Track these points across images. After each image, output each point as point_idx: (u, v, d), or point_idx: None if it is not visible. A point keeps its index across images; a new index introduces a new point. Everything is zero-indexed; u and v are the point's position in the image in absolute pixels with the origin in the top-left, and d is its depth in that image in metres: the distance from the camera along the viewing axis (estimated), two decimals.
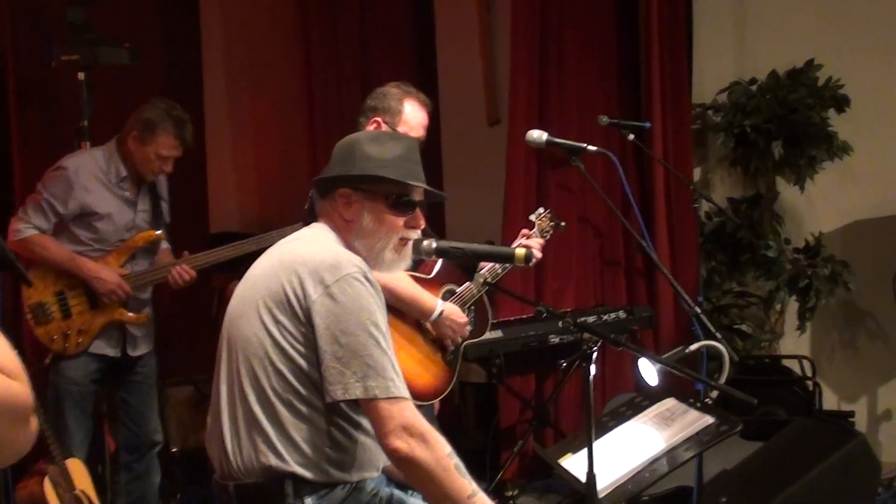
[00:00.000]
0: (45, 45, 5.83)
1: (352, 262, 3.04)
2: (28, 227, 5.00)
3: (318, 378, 2.98)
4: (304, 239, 3.20)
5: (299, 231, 3.31)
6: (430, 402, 4.43)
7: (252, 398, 3.03)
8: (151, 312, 5.36)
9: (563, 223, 4.88)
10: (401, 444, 2.92)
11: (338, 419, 3.04)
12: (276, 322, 3.02)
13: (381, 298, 3.05)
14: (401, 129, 4.37)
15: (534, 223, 4.79)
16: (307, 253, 3.08)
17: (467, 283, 4.57)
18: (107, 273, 5.04)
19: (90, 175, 5.09)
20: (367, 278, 3.03)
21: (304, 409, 3.01)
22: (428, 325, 4.42)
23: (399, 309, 4.29)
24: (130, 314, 5.18)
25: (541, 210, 4.83)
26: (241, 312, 3.11)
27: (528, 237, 4.75)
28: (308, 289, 2.99)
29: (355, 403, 3.00)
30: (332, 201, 3.20)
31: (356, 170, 3.16)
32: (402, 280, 4.28)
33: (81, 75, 5.50)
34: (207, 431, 3.22)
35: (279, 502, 3.01)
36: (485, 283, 4.17)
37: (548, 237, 4.80)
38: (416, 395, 4.33)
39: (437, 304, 4.39)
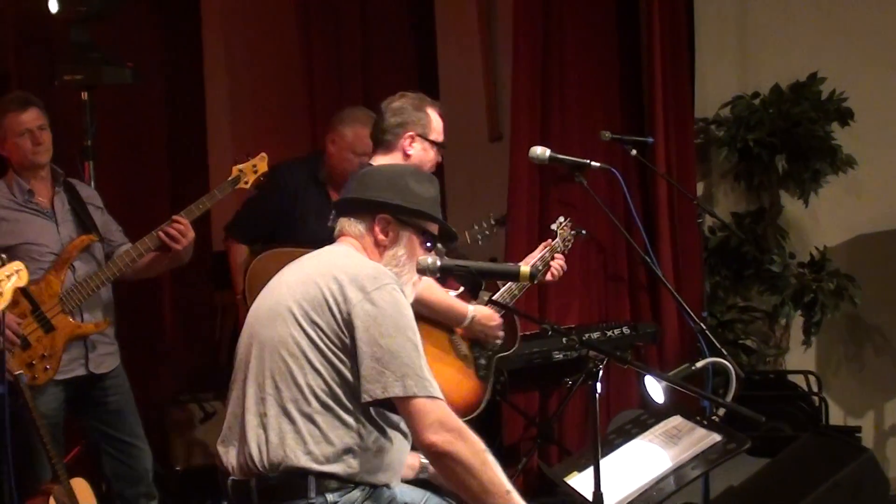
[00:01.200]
0: (49, 65, 5.84)
1: (389, 275, 3.16)
2: None
3: (352, 380, 3.07)
4: (337, 254, 3.28)
5: (325, 248, 3.35)
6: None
7: (286, 395, 3.09)
8: (113, 320, 5.13)
9: (583, 231, 4.95)
10: (438, 438, 3.00)
11: (367, 423, 3.11)
12: (313, 323, 3.10)
13: (412, 314, 3.16)
14: (432, 137, 4.45)
15: (556, 232, 4.82)
16: (346, 264, 3.18)
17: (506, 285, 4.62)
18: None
19: None
20: (402, 291, 3.15)
21: (337, 408, 3.08)
22: (458, 337, 4.45)
23: (431, 318, 4.33)
24: (89, 325, 4.97)
25: (561, 219, 4.86)
26: (274, 315, 3.17)
27: (551, 247, 4.75)
28: (348, 294, 3.08)
29: (388, 407, 3.08)
30: (365, 222, 3.30)
31: (404, 201, 3.28)
32: (433, 288, 4.31)
33: (85, 95, 5.50)
34: (223, 434, 3.26)
35: (300, 498, 3.07)
36: (493, 303, 4.14)
37: (569, 246, 4.84)
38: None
39: (468, 309, 4.44)
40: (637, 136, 5.97)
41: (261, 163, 5.04)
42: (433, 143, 4.46)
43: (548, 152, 4.59)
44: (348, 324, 3.07)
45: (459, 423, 3.05)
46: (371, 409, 3.10)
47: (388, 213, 3.28)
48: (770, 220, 6.81)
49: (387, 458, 3.17)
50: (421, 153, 4.44)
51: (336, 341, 3.08)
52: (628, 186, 5.21)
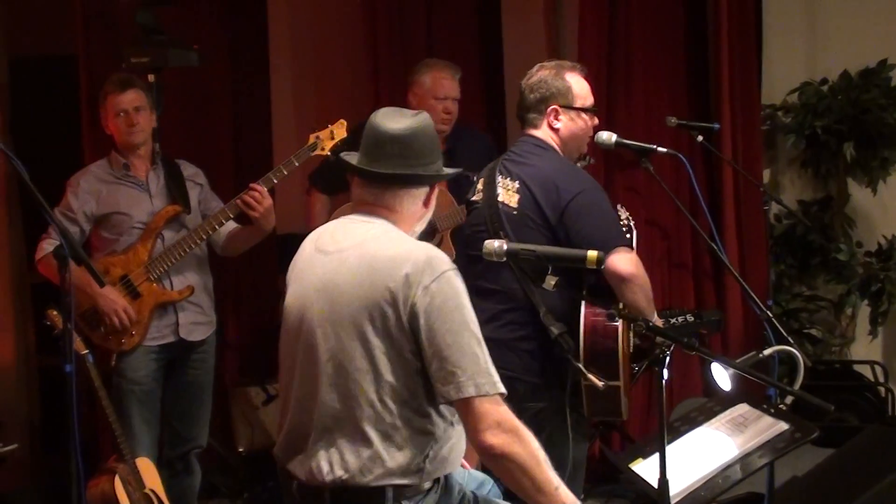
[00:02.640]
0: (116, 48, 5.89)
1: (443, 258, 3.09)
2: (50, 245, 4.97)
3: (422, 382, 3.03)
4: (381, 237, 3.15)
5: (359, 225, 3.21)
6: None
7: (359, 415, 3.04)
8: (208, 292, 5.30)
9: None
10: (496, 440, 2.98)
11: (440, 420, 3.10)
12: (379, 333, 3.03)
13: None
14: (577, 104, 4.27)
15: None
16: (400, 253, 3.08)
17: None
18: (114, 294, 4.99)
19: (91, 179, 5.17)
20: (458, 273, 3.09)
21: (415, 417, 3.05)
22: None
23: (640, 308, 4.17)
24: (173, 292, 5.13)
25: (618, 207, 4.78)
26: (336, 327, 3.08)
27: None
28: (409, 291, 3.01)
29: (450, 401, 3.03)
30: (423, 194, 3.24)
31: (440, 164, 3.24)
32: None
33: (151, 77, 5.54)
34: (283, 442, 3.22)
35: None
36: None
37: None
38: (627, 409, 4.28)
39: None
40: (703, 122, 5.92)
41: (339, 129, 5.05)
42: (580, 109, 4.30)
43: (614, 137, 4.52)
44: (412, 323, 3.01)
45: (515, 423, 3.02)
46: (443, 407, 3.09)
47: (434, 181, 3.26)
48: (837, 208, 6.74)
49: (455, 448, 3.17)
50: (570, 124, 4.29)
51: (403, 344, 3.02)
52: (694, 173, 5.15)
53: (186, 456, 5.32)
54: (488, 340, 3.09)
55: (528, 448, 3.01)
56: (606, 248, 3.91)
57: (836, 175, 6.73)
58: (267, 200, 5.02)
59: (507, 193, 4.24)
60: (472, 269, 4.11)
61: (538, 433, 3.12)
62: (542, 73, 4.32)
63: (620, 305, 4.11)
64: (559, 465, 3.22)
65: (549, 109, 4.26)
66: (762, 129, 6.58)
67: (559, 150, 4.30)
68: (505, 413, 3.01)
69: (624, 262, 4.06)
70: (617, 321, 4.08)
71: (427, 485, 3.09)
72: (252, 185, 5.02)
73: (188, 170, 5.35)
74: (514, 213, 4.19)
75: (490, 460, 3.06)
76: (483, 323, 3.14)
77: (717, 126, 5.97)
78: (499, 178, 4.29)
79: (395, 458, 3.03)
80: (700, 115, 6.30)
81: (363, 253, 3.11)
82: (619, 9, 6.27)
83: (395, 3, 6.68)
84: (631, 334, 4.23)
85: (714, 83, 6.41)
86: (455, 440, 3.16)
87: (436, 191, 3.27)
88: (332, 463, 3.06)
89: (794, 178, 6.91)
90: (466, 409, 3.00)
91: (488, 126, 6.67)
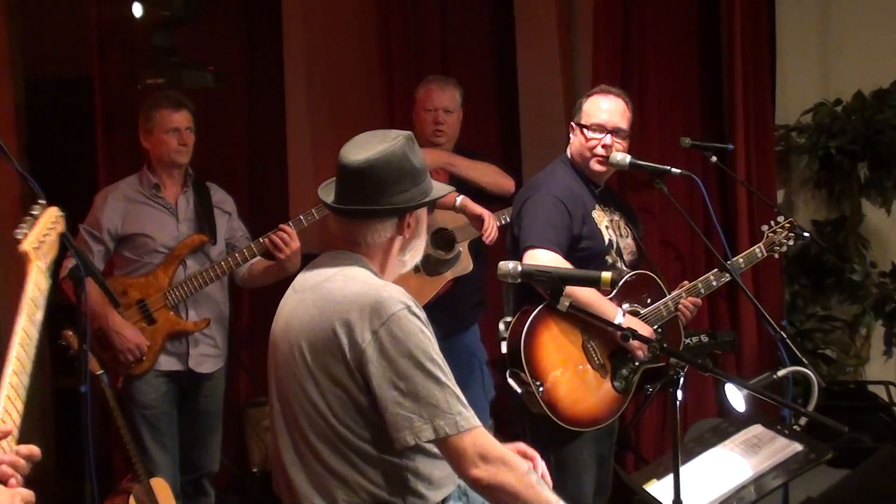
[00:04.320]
0: (131, 69, 5.92)
1: (394, 297, 2.97)
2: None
3: (384, 423, 2.95)
4: (338, 276, 3.07)
5: (325, 265, 3.16)
6: (584, 430, 4.35)
7: (325, 453, 2.99)
8: (223, 325, 5.25)
9: (805, 233, 4.81)
10: (481, 473, 2.92)
11: (411, 453, 3.01)
12: (331, 378, 2.97)
13: (428, 326, 3.00)
14: (583, 121, 4.54)
15: (763, 234, 4.79)
16: (348, 296, 2.99)
17: (656, 303, 4.53)
18: (129, 332, 4.95)
19: (119, 196, 5.11)
20: (411, 311, 2.97)
21: (376, 452, 2.99)
22: (597, 343, 4.33)
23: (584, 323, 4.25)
24: (189, 323, 5.09)
25: (781, 218, 4.79)
26: (293, 371, 3.04)
27: (687, 289, 4.68)
28: (357, 338, 2.92)
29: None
30: (394, 225, 3.12)
31: (425, 188, 3.14)
32: (589, 291, 4.22)
33: None
34: (273, 469, 3.21)
35: None
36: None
37: (783, 251, 4.80)
38: (570, 420, 4.28)
39: (618, 313, 4.34)
40: (717, 142, 5.92)
41: None
42: (582, 126, 4.53)
43: (628, 158, 4.53)
44: (362, 370, 2.92)
45: (500, 451, 2.96)
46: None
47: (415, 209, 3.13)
48: (851, 228, 6.73)
49: (441, 473, 3.09)
50: (574, 140, 4.58)
51: (355, 389, 2.95)
52: (708, 193, 5.16)
53: (199, 481, 5.32)
54: None
55: (517, 473, 2.96)
56: (522, 248, 4.29)
57: (850, 195, 6.73)
58: (295, 243, 4.97)
59: None
60: None
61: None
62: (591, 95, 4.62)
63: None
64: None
65: (570, 124, 4.58)
66: (776, 150, 6.59)
67: (576, 164, 4.59)
68: (487, 443, 2.94)
69: (526, 259, 4.24)
70: (630, 341, 4.12)
71: None
72: (282, 225, 4.98)
73: (217, 195, 5.30)
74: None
75: (480, 492, 3.01)
76: None
77: (730, 147, 5.97)
78: None
79: (373, 493, 2.98)
80: (714, 136, 6.31)
81: (317, 296, 3.06)
82: (633, 29, 6.29)
83: (409, 22, 6.70)
84: (590, 343, 4.34)
85: (728, 104, 6.42)
86: (442, 469, 3.08)
87: (415, 216, 3.15)
88: (312, 498, 3.02)
89: (808, 199, 6.91)
90: (443, 449, 2.96)
91: (502, 146, 6.68)
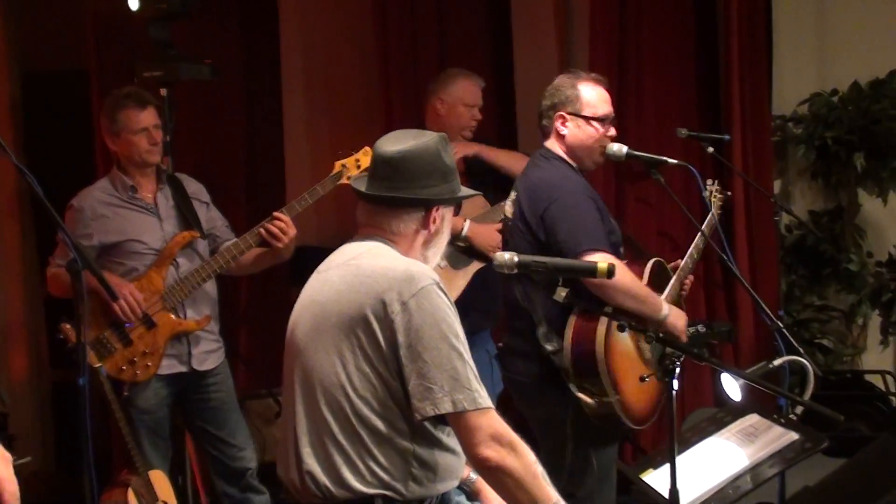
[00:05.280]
0: (128, 62, 5.91)
1: (424, 273, 3.07)
2: (55, 268, 4.87)
3: (401, 399, 3.01)
4: (366, 254, 3.16)
5: (353, 246, 3.23)
6: (642, 427, 4.33)
7: (335, 428, 3.03)
8: (216, 317, 5.16)
9: (728, 192, 4.97)
10: (491, 453, 2.96)
11: (420, 437, 3.05)
12: (355, 350, 3.03)
13: (454, 309, 3.07)
14: (585, 112, 4.32)
15: (709, 201, 4.85)
16: (377, 269, 3.08)
17: (668, 286, 4.49)
18: (125, 285, 4.81)
19: (99, 203, 4.96)
20: (440, 288, 3.06)
21: (387, 431, 3.02)
22: (641, 342, 4.25)
23: (634, 311, 4.16)
24: (191, 322, 5.00)
25: (709, 181, 4.83)
26: (316, 343, 3.10)
27: (682, 267, 4.65)
28: (387, 308, 3.00)
29: (439, 418, 3.01)
30: (420, 217, 3.20)
31: (454, 186, 3.23)
32: (628, 273, 4.17)
33: (164, 91, 5.55)
34: (280, 453, 3.23)
35: None
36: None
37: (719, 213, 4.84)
38: (639, 421, 4.25)
39: (663, 305, 4.29)
40: (713, 133, 5.93)
41: (364, 157, 4.91)
42: (588, 118, 4.34)
43: (624, 149, 4.51)
44: (391, 339, 2.99)
45: (512, 437, 3.01)
46: (427, 424, 3.04)
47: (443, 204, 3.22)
48: (848, 218, 6.74)
49: (446, 466, 3.12)
50: (576, 132, 4.34)
51: (382, 361, 3.00)
52: (704, 184, 5.18)
53: (241, 481, 5.19)
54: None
55: (524, 462, 3.00)
56: (575, 254, 4.01)
57: (847, 185, 6.73)
58: (292, 230, 4.92)
59: (510, 204, 4.39)
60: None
61: (548, 440, 3.12)
62: (558, 81, 4.41)
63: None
64: (569, 472, 3.23)
65: (556, 115, 4.33)
66: (772, 140, 6.59)
67: (567, 159, 4.37)
68: (501, 426, 3.00)
69: None
70: (626, 331, 4.11)
71: (419, 500, 3.07)
72: (276, 213, 4.92)
73: (191, 186, 5.18)
74: (510, 223, 4.35)
75: (485, 473, 3.06)
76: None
77: (727, 137, 5.98)
78: (512, 192, 4.42)
79: (376, 471, 3.01)
80: (710, 127, 6.31)
81: (345, 272, 3.14)
82: (630, 20, 6.29)
83: (406, 18, 6.70)
84: (641, 342, 4.24)
85: (724, 94, 6.42)
86: (452, 461, 3.13)
87: (441, 212, 3.22)
88: (317, 475, 3.05)
89: (805, 189, 6.91)
90: (457, 425, 3.00)
91: (499, 140, 6.68)
